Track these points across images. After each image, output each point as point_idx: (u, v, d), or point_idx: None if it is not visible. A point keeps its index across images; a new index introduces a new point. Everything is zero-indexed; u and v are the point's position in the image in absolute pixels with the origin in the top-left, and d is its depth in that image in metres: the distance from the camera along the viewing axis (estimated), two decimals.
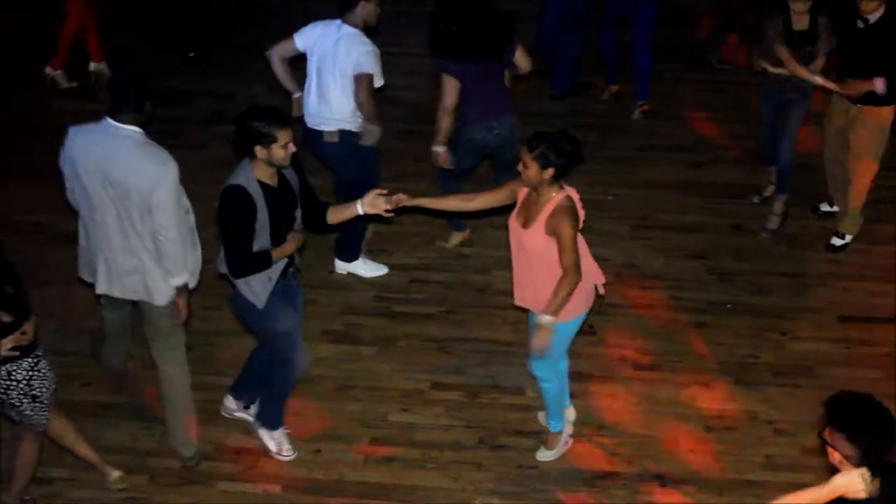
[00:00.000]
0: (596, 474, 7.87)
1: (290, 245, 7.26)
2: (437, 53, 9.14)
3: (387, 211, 7.38)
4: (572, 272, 7.01)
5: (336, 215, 7.53)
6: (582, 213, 7.21)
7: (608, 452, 8.03)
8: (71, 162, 7.39)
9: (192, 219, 7.58)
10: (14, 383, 6.92)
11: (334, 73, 8.88)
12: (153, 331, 7.69)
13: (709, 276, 9.60)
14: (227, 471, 7.91)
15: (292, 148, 7.03)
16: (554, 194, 7.04)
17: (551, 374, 7.66)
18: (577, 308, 7.35)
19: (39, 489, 7.71)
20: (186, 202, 7.47)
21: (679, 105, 11.86)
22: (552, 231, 7.00)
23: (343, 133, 9.03)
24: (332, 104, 8.93)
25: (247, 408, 8.19)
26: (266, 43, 9.22)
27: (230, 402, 8.21)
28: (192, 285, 7.69)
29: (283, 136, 6.95)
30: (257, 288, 7.27)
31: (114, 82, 7.92)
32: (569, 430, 8.06)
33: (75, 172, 7.37)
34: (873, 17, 8.94)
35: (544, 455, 7.99)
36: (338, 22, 8.90)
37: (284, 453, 7.99)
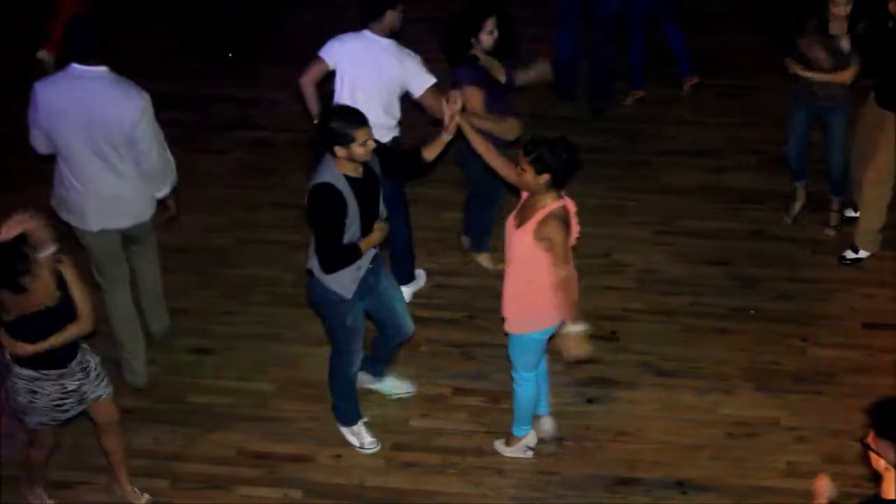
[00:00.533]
0: (617, 480, 7.86)
1: (376, 235, 7.34)
2: (456, 62, 8.86)
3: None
4: (566, 278, 7.07)
5: (430, 151, 7.70)
6: (576, 228, 7.22)
7: (629, 458, 8.02)
8: (47, 114, 7.64)
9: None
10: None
11: (378, 87, 8.51)
12: (139, 243, 8.36)
13: (730, 282, 9.57)
14: (248, 475, 7.92)
15: (372, 144, 7.08)
16: (549, 201, 7.04)
17: (523, 379, 7.70)
18: (533, 322, 7.40)
19: (58, 492, 7.73)
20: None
21: (700, 110, 11.82)
22: (541, 237, 7.00)
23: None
24: (371, 119, 8.60)
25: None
26: (281, 47, 9.20)
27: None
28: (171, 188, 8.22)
29: (362, 134, 7.00)
30: (347, 280, 7.34)
31: (75, 28, 7.99)
32: (531, 440, 8.03)
33: (53, 123, 7.64)
34: None
35: (501, 448, 8.06)
36: (364, 33, 8.52)
37: (367, 447, 8.06)
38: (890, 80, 9.05)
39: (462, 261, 9.80)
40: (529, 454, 8.00)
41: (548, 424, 8.15)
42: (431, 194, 10.33)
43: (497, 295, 9.20)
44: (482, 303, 9.27)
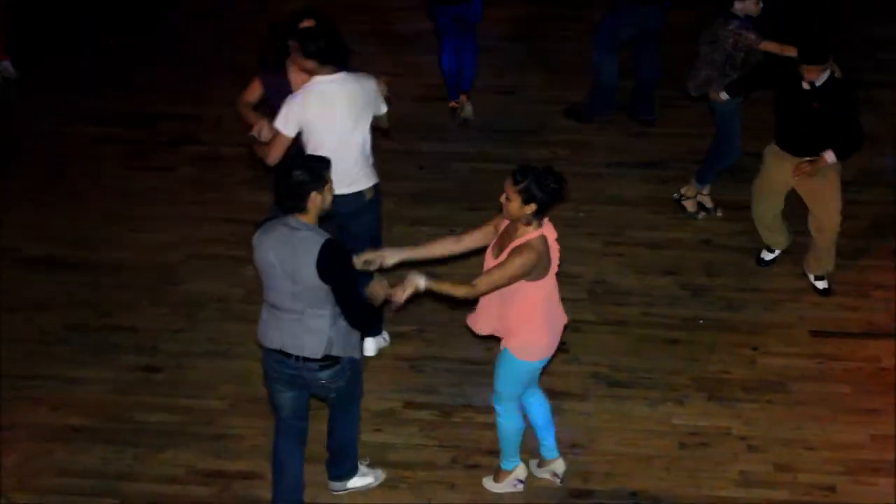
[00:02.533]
0: (571, 493, 7.84)
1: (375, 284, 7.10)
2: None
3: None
4: (477, 291, 6.96)
5: None
6: (556, 256, 7.08)
7: (583, 471, 8.00)
8: None
9: None
10: None
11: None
12: None
13: (680, 291, 9.59)
14: (198, 494, 7.85)
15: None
16: (530, 230, 6.93)
17: (506, 410, 7.57)
18: (538, 351, 7.28)
19: None
20: None
21: (645, 121, 11.86)
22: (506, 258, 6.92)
23: None
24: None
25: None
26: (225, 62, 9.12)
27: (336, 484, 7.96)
28: None
29: (329, 176, 6.83)
30: (355, 338, 7.12)
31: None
32: (521, 473, 7.90)
33: None
34: (819, 81, 8.86)
35: (490, 485, 7.92)
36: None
37: (380, 477, 7.95)
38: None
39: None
40: (520, 487, 7.89)
41: (561, 466, 7.98)
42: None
43: (448, 308, 9.23)
44: (431, 316, 9.24)
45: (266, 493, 7.80)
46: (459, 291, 6.97)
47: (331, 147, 7.82)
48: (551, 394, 8.48)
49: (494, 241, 7.19)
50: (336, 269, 6.71)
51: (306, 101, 7.95)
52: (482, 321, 7.35)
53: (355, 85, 8.09)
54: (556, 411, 8.38)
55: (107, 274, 9.77)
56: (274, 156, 8.02)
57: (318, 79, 7.98)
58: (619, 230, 10.33)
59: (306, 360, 6.91)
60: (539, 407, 7.71)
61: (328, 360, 6.93)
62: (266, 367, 7.17)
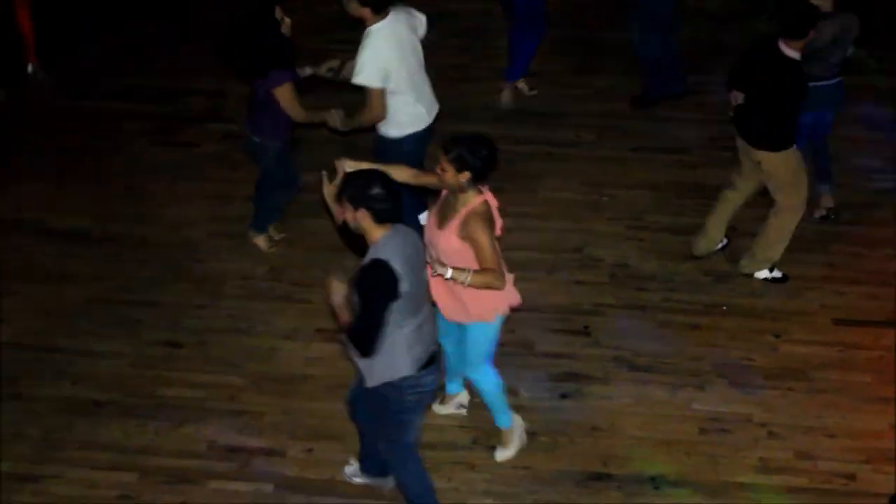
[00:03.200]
0: (589, 476, 7.85)
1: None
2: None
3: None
4: (497, 276, 7.00)
5: None
6: (499, 221, 7.18)
7: (602, 454, 8.00)
8: None
9: None
10: None
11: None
12: None
13: (703, 277, 9.56)
14: (219, 469, 7.88)
15: None
16: (471, 199, 6.99)
17: (482, 374, 7.67)
18: (493, 312, 7.36)
19: (25, 485, 7.68)
20: None
21: (673, 106, 11.81)
22: (466, 236, 6.96)
23: None
24: None
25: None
26: None
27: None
28: None
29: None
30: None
31: None
32: (519, 421, 8.02)
33: None
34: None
35: (503, 454, 7.98)
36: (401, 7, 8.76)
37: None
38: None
39: None
40: (524, 437, 8.03)
41: (466, 398, 8.22)
42: None
43: None
44: None
45: (286, 469, 7.86)
46: (488, 281, 7.00)
47: (410, 82, 8.67)
48: (573, 377, 8.52)
49: (436, 208, 7.27)
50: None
51: (378, 48, 8.43)
52: (447, 313, 7.45)
53: (405, 17, 8.73)
54: (576, 395, 8.42)
55: (130, 249, 9.79)
56: (381, 110, 8.59)
57: (376, 26, 8.46)
58: (642, 214, 10.30)
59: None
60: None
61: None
62: (415, 397, 6.95)
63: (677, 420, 8.26)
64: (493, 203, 7.15)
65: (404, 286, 6.46)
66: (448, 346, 7.82)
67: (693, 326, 9.07)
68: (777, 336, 8.97)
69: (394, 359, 6.65)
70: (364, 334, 6.49)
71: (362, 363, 6.74)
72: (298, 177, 9.47)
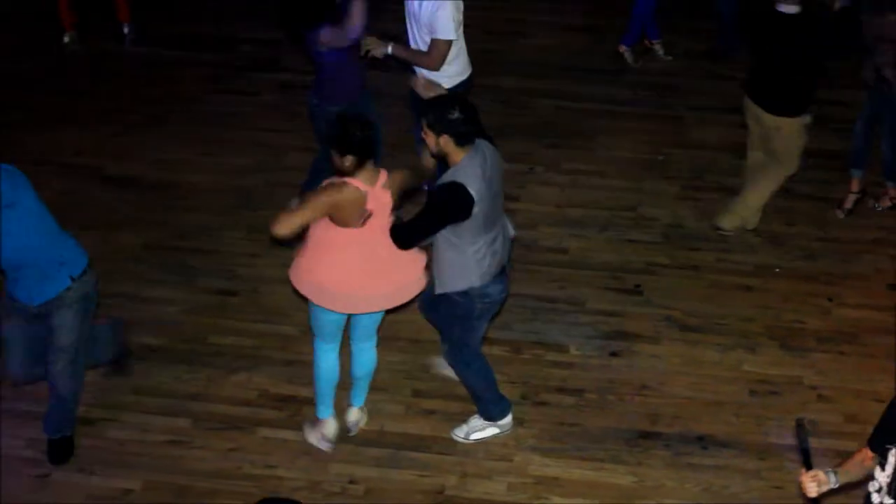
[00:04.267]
0: (638, 434, 7.85)
1: None
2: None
3: None
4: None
5: None
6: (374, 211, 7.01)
7: (650, 413, 8.01)
8: None
9: None
10: None
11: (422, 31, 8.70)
12: None
13: (757, 238, 9.52)
14: (269, 417, 7.93)
15: None
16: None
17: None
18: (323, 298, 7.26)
19: (80, 428, 7.76)
20: None
21: (734, 65, 11.72)
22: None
23: None
24: None
25: None
26: None
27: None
28: None
29: None
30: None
31: None
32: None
33: None
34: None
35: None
36: None
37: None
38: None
39: None
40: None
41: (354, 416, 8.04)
42: None
43: (527, 245, 9.24)
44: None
45: (335, 420, 7.90)
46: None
47: (462, 42, 8.74)
48: (623, 335, 8.52)
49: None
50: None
51: (455, 5, 8.52)
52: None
53: None
54: (627, 353, 8.42)
55: (184, 196, 9.85)
56: (440, 61, 8.61)
57: None
58: (698, 174, 10.26)
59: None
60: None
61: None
62: (482, 306, 7.23)
63: (727, 381, 8.25)
64: (378, 193, 6.94)
65: (477, 208, 6.69)
66: None
67: (745, 288, 9.04)
68: (830, 299, 8.93)
69: (465, 270, 7.00)
70: (409, 236, 6.97)
71: (435, 269, 7.10)
72: None
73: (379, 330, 7.63)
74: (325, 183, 6.92)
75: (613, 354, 8.43)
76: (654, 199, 9.87)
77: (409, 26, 8.75)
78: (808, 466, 5.71)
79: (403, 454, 7.73)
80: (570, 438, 7.83)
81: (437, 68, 8.56)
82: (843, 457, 7.49)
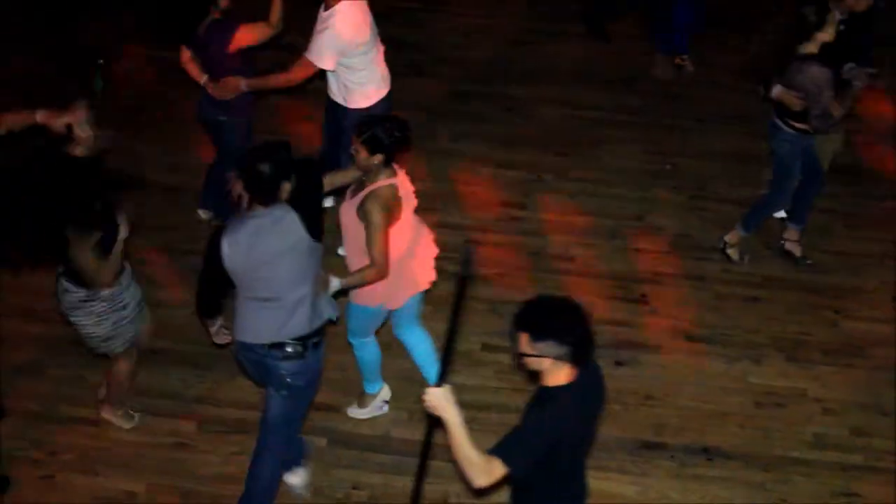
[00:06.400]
0: (643, 444, 7.87)
1: None
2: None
3: None
4: (379, 264, 6.96)
5: None
6: (412, 203, 7.21)
7: (655, 423, 8.02)
8: None
9: None
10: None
11: None
12: None
13: (764, 250, 9.51)
14: None
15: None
16: (381, 179, 6.97)
17: (360, 346, 7.80)
18: (375, 297, 7.34)
19: (85, 429, 7.79)
20: None
21: (738, 75, 11.72)
22: (363, 216, 6.97)
23: None
24: None
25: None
26: None
27: None
28: None
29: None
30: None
31: None
32: (385, 395, 8.15)
33: None
34: None
35: (354, 412, 8.11)
36: None
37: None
38: None
39: (495, 217, 9.75)
40: (385, 409, 8.12)
41: (387, 394, 8.21)
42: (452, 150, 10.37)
43: (530, 253, 9.25)
44: (514, 260, 9.26)
45: (340, 424, 7.93)
46: (370, 275, 7.03)
47: (371, 56, 8.63)
48: (629, 345, 8.51)
49: (353, 186, 7.26)
50: None
51: (339, 31, 8.41)
52: None
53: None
54: (632, 362, 8.42)
55: (194, 199, 9.83)
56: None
57: (339, 7, 8.38)
58: (705, 184, 10.25)
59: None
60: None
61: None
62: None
63: (732, 392, 8.26)
64: (408, 187, 7.17)
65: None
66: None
67: (752, 299, 9.05)
68: (837, 312, 8.94)
69: (243, 322, 6.75)
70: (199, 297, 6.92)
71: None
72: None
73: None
74: (369, 191, 6.96)
75: (619, 364, 8.44)
76: (661, 209, 9.87)
77: None
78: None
79: (408, 461, 7.71)
80: None
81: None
82: (848, 470, 7.57)
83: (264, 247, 6.44)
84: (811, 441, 7.91)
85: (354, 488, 7.62)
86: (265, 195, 6.43)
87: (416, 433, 7.83)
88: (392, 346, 8.20)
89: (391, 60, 8.98)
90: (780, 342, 8.67)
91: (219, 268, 6.52)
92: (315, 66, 8.59)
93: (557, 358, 5.35)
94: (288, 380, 6.76)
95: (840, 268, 9.37)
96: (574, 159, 10.40)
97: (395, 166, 7.10)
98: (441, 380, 5.52)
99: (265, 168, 6.36)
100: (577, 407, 5.46)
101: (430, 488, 7.47)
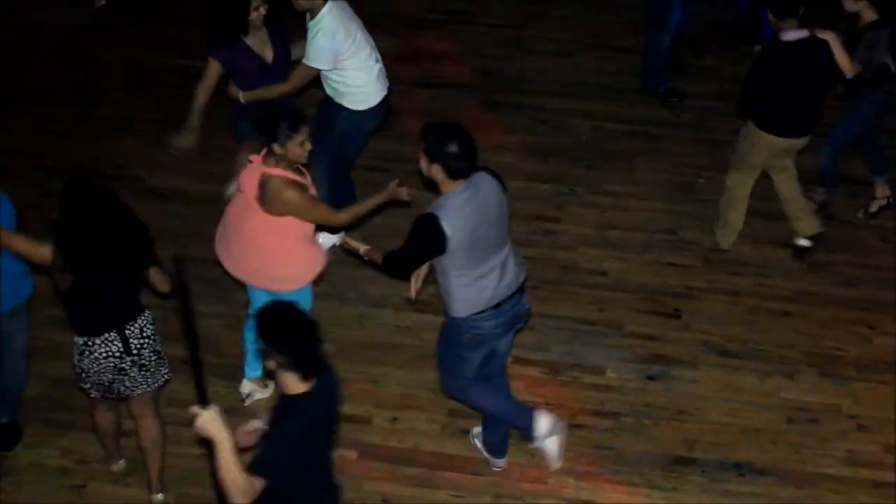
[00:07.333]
0: (674, 459, 7.83)
1: None
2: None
3: None
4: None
5: None
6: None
7: (687, 438, 7.98)
8: None
9: None
10: (146, 340, 7.25)
11: None
12: None
13: (797, 264, 9.46)
14: None
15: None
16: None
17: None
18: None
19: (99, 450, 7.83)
20: None
21: None
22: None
23: None
24: None
25: None
26: None
27: None
28: None
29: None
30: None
31: None
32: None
33: None
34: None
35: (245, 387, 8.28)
36: None
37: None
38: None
39: (527, 231, 9.70)
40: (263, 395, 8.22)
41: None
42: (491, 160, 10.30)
43: (566, 266, 9.20)
44: (545, 274, 9.23)
45: (370, 436, 7.92)
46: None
47: (365, 57, 8.76)
48: (661, 359, 8.48)
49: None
50: None
51: (333, 34, 8.56)
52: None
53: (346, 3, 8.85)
54: (664, 377, 8.40)
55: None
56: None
57: (324, 10, 8.54)
58: None
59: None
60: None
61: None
62: (470, 337, 7.11)
63: (765, 408, 8.21)
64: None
65: (454, 243, 6.60)
66: None
67: (785, 314, 8.99)
68: (871, 328, 8.87)
69: (450, 299, 6.95)
70: (393, 266, 7.10)
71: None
72: None
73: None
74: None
75: (651, 378, 8.40)
76: (693, 223, 9.83)
77: None
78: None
79: (438, 474, 7.73)
80: (605, 462, 7.81)
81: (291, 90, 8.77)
82: (881, 488, 7.50)
83: (491, 209, 6.82)
84: (844, 458, 7.85)
85: (384, 501, 7.60)
86: (458, 171, 6.70)
87: (446, 446, 7.85)
88: (423, 359, 8.19)
89: (425, 72, 8.99)
90: (814, 357, 8.61)
91: (440, 251, 6.70)
92: (314, 70, 8.68)
93: (281, 366, 5.52)
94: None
95: (874, 282, 9.30)
96: (607, 172, 10.37)
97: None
98: (202, 400, 5.61)
99: (453, 145, 6.61)
100: (317, 408, 5.67)
101: (460, 501, 7.45)
